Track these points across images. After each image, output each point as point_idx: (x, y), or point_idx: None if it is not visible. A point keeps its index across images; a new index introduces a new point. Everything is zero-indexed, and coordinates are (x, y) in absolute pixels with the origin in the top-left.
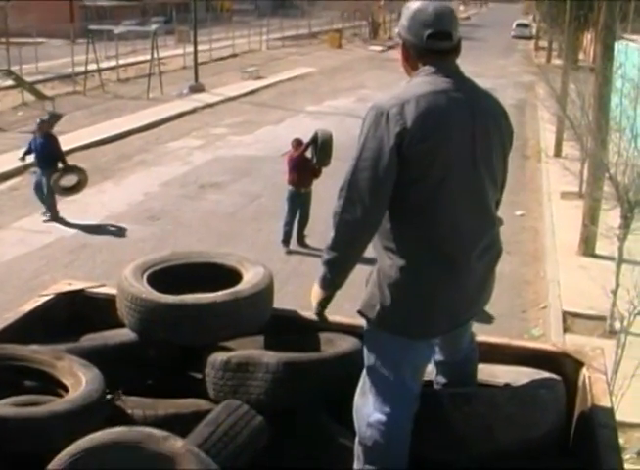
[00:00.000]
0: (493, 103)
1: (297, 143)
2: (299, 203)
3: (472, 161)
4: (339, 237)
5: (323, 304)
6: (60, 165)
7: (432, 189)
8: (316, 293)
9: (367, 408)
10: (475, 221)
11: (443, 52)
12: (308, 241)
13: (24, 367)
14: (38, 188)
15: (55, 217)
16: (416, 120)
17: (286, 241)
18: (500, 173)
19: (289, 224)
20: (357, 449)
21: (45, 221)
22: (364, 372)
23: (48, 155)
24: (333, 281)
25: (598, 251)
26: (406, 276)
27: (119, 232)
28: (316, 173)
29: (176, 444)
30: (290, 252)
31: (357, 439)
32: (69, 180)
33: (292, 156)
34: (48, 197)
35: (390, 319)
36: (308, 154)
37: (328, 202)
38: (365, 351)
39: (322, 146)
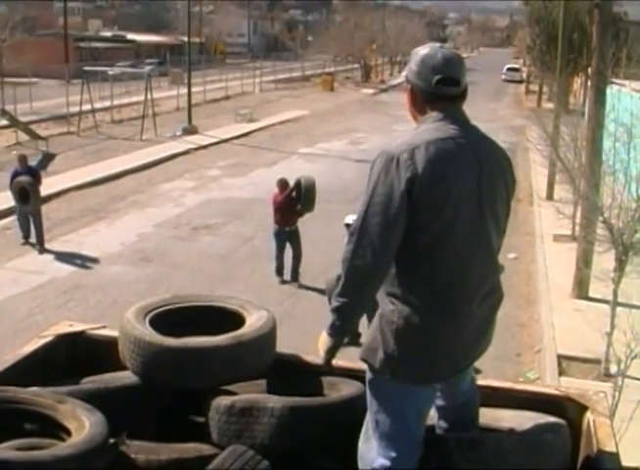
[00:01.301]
0: (497, 149)
1: (283, 184)
2: (287, 239)
3: (478, 206)
4: (348, 283)
5: (331, 352)
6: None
7: (439, 235)
8: (324, 341)
9: (371, 454)
10: (479, 267)
11: (451, 98)
12: (302, 280)
13: (26, 410)
14: (21, 219)
15: (42, 248)
16: (426, 166)
17: (279, 271)
18: (503, 219)
19: (279, 257)
20: None
21: (40, 252)
22: (367, 417)
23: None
24: (342, 328)
25: (592, 293)
26: (407, 321)
27: (113, 273)
28: (300, 213)
29: None
30: (284, 282)
31: None
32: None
33: (276, 198)
34: (37, 225)
35: (392, 364)
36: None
37: (322, 244)
38: (368, 396)
39: (305, 193)
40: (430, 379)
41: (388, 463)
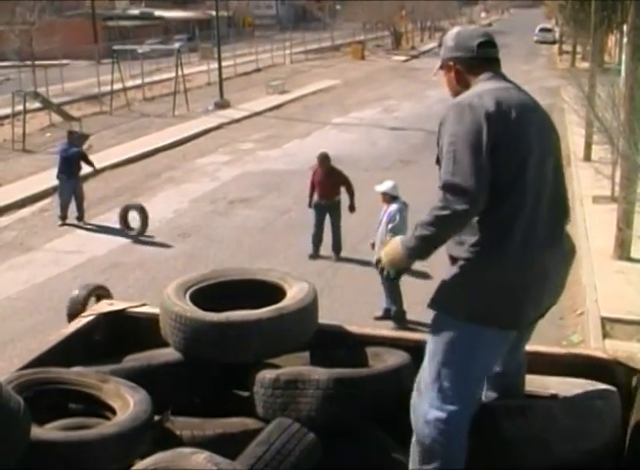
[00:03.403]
0: (539, 105)
1: (323, 157)
2: (326, 212)
3: (542, 149)
4: (441, 220)
5: (401, 270)
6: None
7: (512, 175)
8: (399, 257)
9: (424, 405)
10: (552, 210)
11: (493, 61)
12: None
13: (71, 390)
14: (64, 194)
15: (82, 218)
16: (497, 107)
17: (315, 242)
18: (562, 168)
19: (317, 235)
20: (413, 451)
21: (78, 221)
22: (425, 369)
23: (77, 162)
24: (420, 254)
25: (634, 254)
26: (486, 266)
27: (151, 250)
28: (348, 186)
29: (200, 457)
30: (315, 256)
31: (414, 439)
32: None
33: (315, 171)
34: (78, 199)
35: (476, 310)
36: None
37: (359, 213)
38: (433, 347)
39: None
40: (516, 322)
41: (443, 415)
